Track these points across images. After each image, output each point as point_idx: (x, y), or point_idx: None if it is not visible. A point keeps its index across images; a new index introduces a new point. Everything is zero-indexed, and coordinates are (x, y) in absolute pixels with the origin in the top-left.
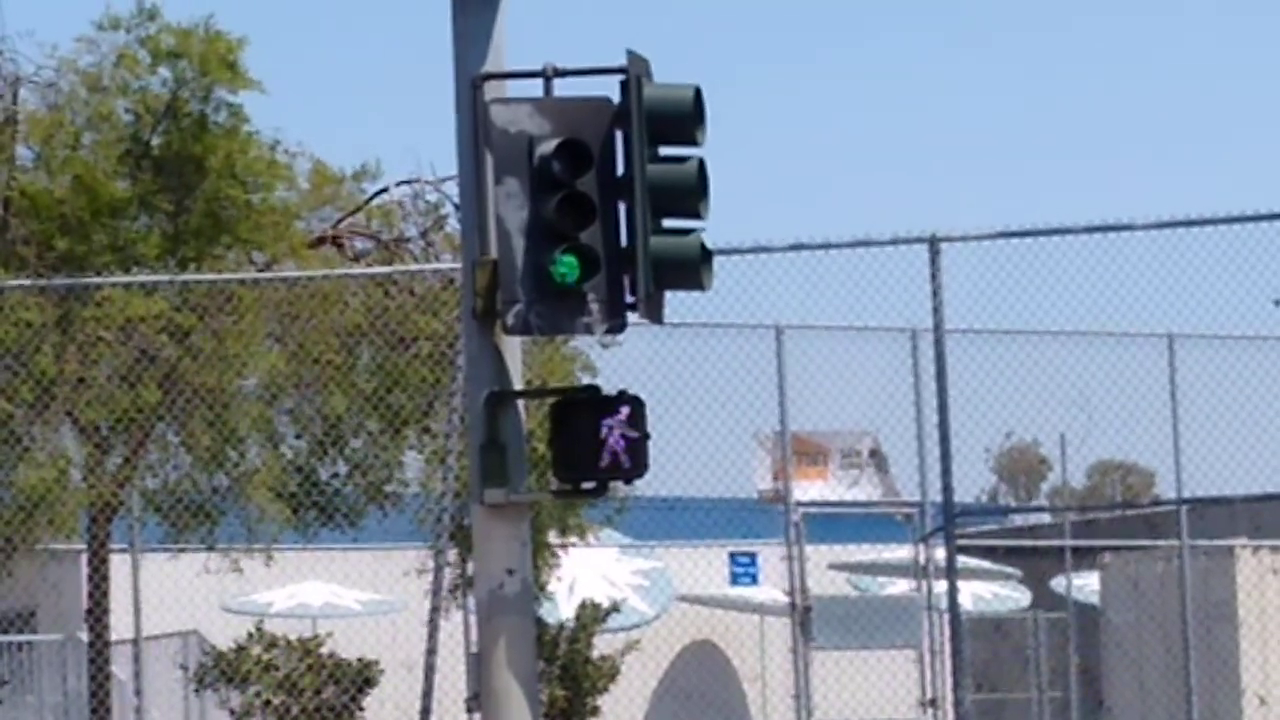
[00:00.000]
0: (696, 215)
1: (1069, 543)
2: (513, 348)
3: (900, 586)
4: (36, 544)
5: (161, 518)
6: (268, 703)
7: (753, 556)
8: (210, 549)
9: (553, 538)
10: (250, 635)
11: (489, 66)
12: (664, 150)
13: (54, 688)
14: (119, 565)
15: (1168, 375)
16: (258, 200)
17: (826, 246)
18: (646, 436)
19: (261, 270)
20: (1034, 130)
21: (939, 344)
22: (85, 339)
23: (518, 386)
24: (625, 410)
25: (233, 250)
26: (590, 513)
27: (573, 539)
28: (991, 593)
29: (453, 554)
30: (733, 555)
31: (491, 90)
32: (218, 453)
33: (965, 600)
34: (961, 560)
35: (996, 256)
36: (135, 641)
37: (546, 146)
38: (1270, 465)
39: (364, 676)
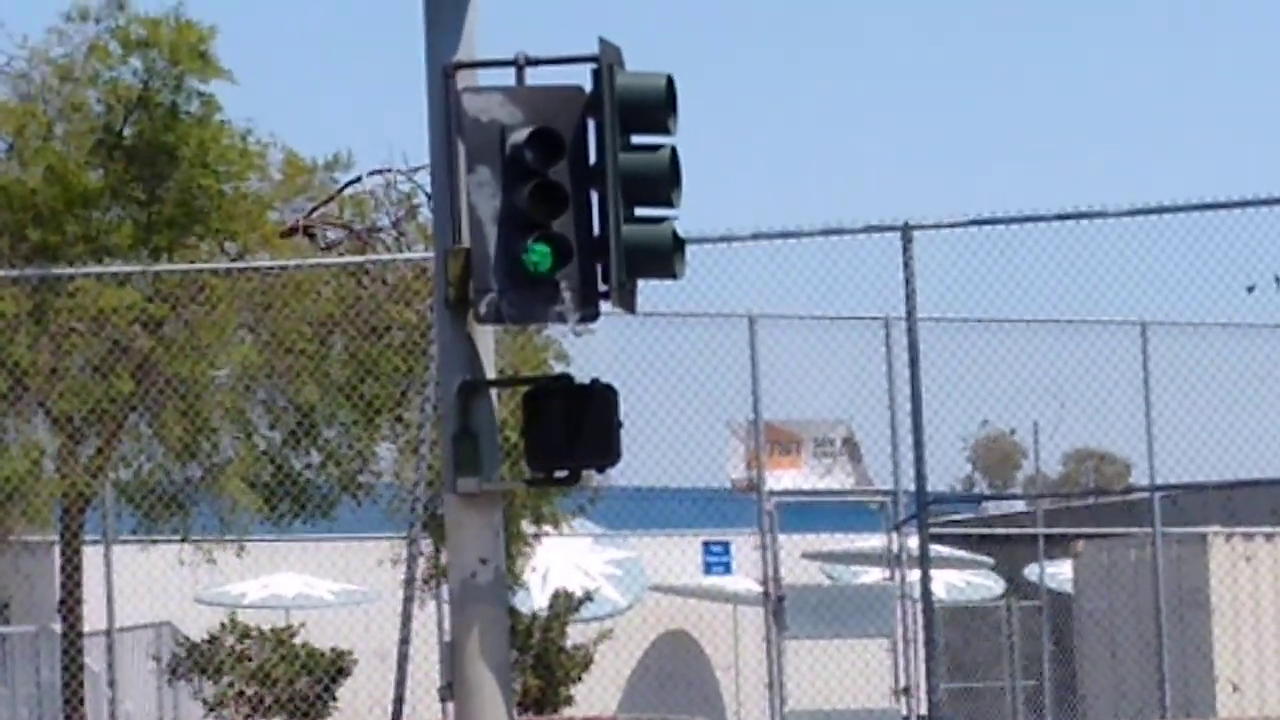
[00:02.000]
0: (669, 204)
1: (1042, 530)
2: (485, 337)
3: (874, 575)
4: (9, 535)
5: (135, 508)
6: (241, 693)
7: (726, 546)
8: (184, 540)
9: (526, 527)
10: (223, 626)
11: (460, 55)
12: (636, 139)
13: (27, 679)
14: (92, 556)
15: (1140, 363)
16: (230, 190)
17: (799, 235)
18: (619, 425)
19: (234, 260)
20: (1005, 118)
21: (912, 332)
22: (58, 330)
23: (490, 375)
24: None
25: (205, 240)
26: (564, 502)
27: (546, 528)
28: (965, 581)
29: (426, 544)
30: (706, 544)
31: (463, 79)
32: (191, 443)
33: (939, 589)
34: (935, 549)
35: (969, 244)
36: (108, 632)
37: (518, 135)
38: (1243, 452)
39: (337, 666)
